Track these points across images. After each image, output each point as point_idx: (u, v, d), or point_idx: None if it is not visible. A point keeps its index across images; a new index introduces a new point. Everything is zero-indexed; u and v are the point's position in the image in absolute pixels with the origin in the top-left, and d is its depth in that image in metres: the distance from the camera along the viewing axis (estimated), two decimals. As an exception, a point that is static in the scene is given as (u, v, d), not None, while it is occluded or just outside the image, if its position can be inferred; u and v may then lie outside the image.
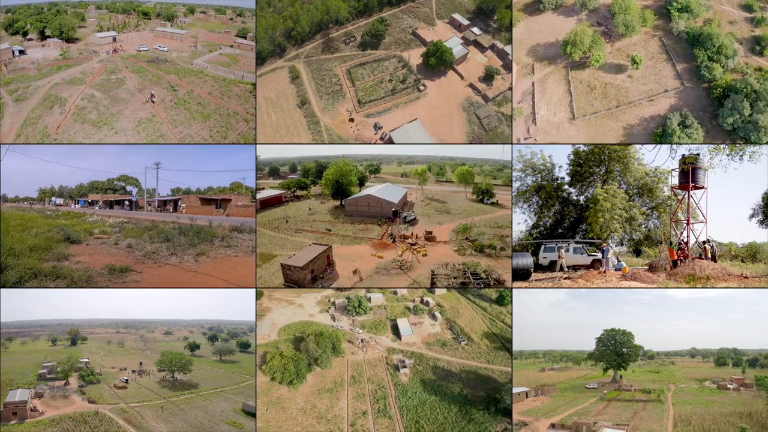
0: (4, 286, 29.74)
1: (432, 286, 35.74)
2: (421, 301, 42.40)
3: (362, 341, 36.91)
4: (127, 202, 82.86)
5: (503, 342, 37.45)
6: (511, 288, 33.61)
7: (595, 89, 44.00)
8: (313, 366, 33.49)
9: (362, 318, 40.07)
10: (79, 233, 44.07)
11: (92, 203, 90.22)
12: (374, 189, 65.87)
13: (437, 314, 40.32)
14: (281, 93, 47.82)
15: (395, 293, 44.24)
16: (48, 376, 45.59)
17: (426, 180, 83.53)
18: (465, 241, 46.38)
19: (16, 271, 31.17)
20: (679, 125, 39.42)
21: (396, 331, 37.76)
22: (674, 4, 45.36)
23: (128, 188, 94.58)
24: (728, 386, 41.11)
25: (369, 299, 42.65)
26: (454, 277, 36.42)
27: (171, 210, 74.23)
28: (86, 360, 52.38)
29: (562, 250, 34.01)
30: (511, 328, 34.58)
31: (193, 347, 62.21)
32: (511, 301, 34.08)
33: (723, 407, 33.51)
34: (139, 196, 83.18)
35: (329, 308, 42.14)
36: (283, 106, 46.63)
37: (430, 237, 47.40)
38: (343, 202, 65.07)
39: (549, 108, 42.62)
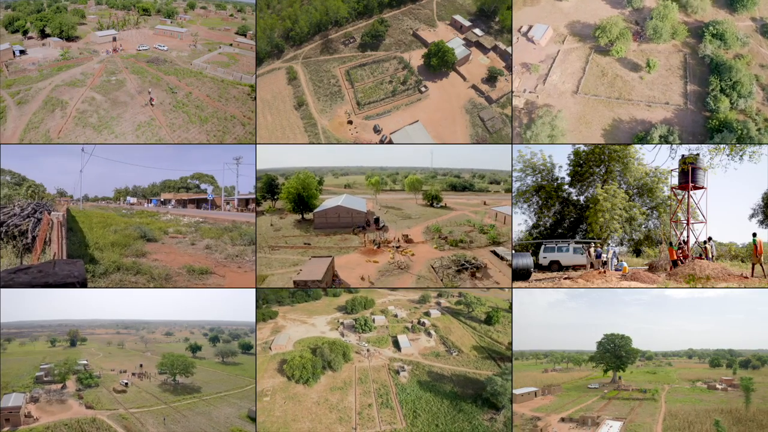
0: (93, 275, 31.81)
1: (442, 285, 40.63)
2: (418, 322, 47.35)
3: (368, 351, 41.62)
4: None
5: (490, 353, 41.68)
6: (511, 288, 35.03)
7: (605, 76, 46.70)
8: (327, 369, 37.81)
9: (367, 335, 44.82)
10: (154, 232, 46.02)
11: (164, 202, 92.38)
12: (340, 200, 65.23)
13: (432, 332, 45.41)
14: (278, 94, 48.77)
15: (396, 316, 49.07)
16: (45, 378, 45.25)
17: (379, 189, 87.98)
18: (440, 239, 51.76)
19: (102, 264, 33.70)
20: (660, 137, 40.80)
21: (397, 344, 42.73)
22: (710, 28, 46.21)
23: (203, 186, 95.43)
24: (717, 386, 43.68)
25: (374, 320, 47.73)
26: (449, 267, 42.47)
27: (253, 209, 73.73)
28: (85, 362, 52.34)
29: (591, 249, 35.56)
30: (511, 328, 36.41)
31: (195, 349, 62.53)
32: (512, 300, 35.72)
33: (708, 405, 37.31)
34: (216, 194, 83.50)
35: (338, 327, 46.88)
36: (280, 108, 47.59)
37: (408, 239, 51.76)
38: (305, 216, 64.16)
39: (561, 76, 46.76)
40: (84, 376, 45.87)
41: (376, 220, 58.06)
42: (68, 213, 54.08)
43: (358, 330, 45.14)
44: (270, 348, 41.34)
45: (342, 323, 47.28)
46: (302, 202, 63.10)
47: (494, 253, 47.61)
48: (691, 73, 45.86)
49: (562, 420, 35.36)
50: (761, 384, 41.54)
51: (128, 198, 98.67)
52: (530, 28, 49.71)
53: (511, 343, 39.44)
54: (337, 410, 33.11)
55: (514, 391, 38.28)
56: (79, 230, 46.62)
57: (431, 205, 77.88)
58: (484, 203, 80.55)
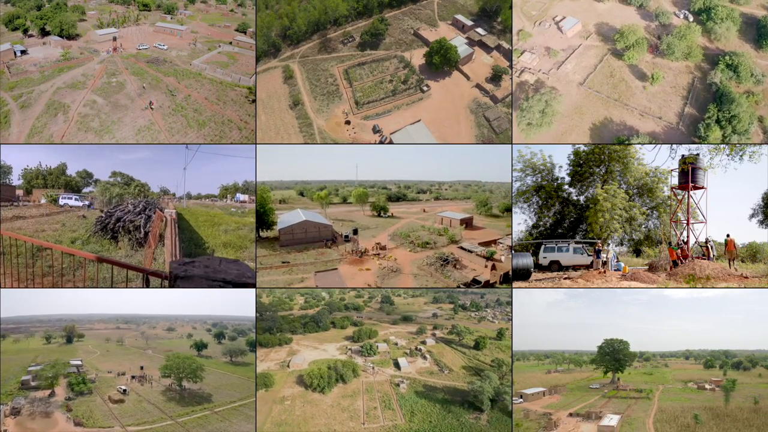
0: None
1: (441, 279, 46.58)
2: (416, 349, 53.62)
3: (373, 369, 47.42)
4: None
5: (477, 371, 47.32)
6: (511, 288, 36.96)
7: (612, 77, 49.76)
8: (339, 381, 43.33)
9: (372, 358, 50.69)
10: (276, 234, 46.20)
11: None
12: (300, 215, 66.22)
13: (427, 356, 51.73)
14: (273, 93, 49.91)
15: (396, 344, 55.08)
16: (32, 383, 41.46)
17: (329, 203, 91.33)
18: (410, 243, 57.59)
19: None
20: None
21: (397, 365, 48.81)
22: (726, 58, 47.38)
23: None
24: (706, 387, 46.65)
25: (377, 347, 53.65)
26: (434, 263, 49.23)
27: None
28: (79, 362, 50.29)
29: (602, 249, 37.96)
30: (512, 329, 38.69)
31: (200, 347, 61.84)
32: (512, 300, 37.72)
33: (694, 403, 41.93)
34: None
35: (347, 352, 52.44)
36: (274, 107, 48.80)
37: (382, 247, 55.99)
38: (262, 233, 62.75)
39: (574, 67, 50.98)
40: (76, 381, 42.50)
41: (355, 231, 60.85)
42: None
43: (364, 354, 50.80)
44: (288, 366, 46.18)
45: (350, 349, 52.89)
46: (260, 220, 61.58)
47: (461, 248, 55.64)
48: (694, 97, 47.62)
49: (570, 415, 39.73)
50: (748, 384, 45.16)
51: (237, 195, 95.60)
52: (563, 18, 54.61)
53: (508, 358, 44.67)
54: (348, 411, 38.70)
55: (524, 391, 42.81)
56: (187, 228, 48.49)
57: (379, 215, 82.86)
58: (424, 210, 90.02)
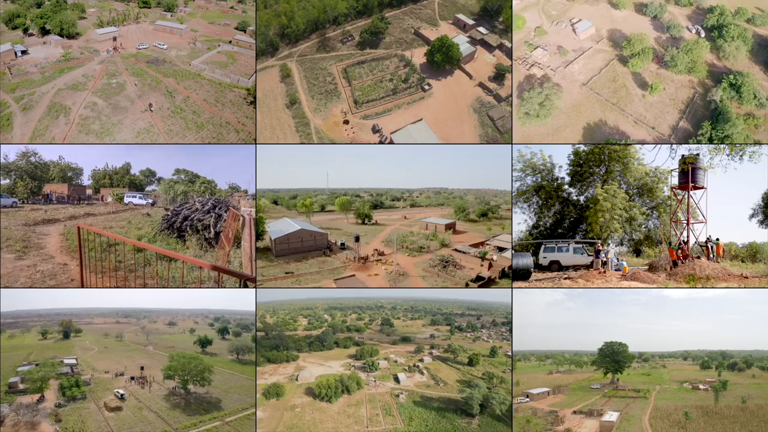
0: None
1: (447, 278, 49.29)
2: (414, 365, 56.55)
3: (375, 382, 49.94)
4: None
5: (468, 383, 49.57)
6: (511, 288, 38.03)
7: (615, 82, 51.41)
8: (344, 392, 46.05)
9: (374, 374, 53.44)
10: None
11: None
12: (293, 223, 66.76)
13: (425, 371, 54.69)
14: (269, 92, 50.38)
15: (396, 361, 57.77)
16: (20, 386, 37.79)
17: (312, 211, 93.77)
18: (407, 248, 60.20)
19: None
20: None
21: (397, 379, 51.67)
22: (730, 77, 47.79)
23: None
24: (700, 387, 48.16)
25: (378, 364, 56.19)
26: (437, 264, 51.93)
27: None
28: (73, 361, 47.73)
29: (604, 248, 39.32)
30: (511, 329, 39.90)
31: (205, 343, 59.83)
32: (512, 300, 38.80)
33: (687, 402, 44.28)
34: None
35: (350, 368, 54.96)
36: (271, 106, 49.23)
37: (381, 253, 58.37)
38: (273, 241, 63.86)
39: (581, 67, 53.31)
40: (68, 384, 38.75)
41: (357, 238, 62.20)
42: (246, 210, 58.23)
43: (367, 370, 53.67)
44: (297, 379, 48.65)
45: (353, 366, 55.70)
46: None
47: (456, 250, 58.44)
48: (691, 112, 48.55)
49: (574, 413, 41.78)
50: (740, 385, 46.69)
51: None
52: (579, 20, 57.39)
53: (499, 372, 48.19)
54: (353, 417, 41.86)
55: (530, 391, 44.49)
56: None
57: (363, 223, 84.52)
58: (404, 217, 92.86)
